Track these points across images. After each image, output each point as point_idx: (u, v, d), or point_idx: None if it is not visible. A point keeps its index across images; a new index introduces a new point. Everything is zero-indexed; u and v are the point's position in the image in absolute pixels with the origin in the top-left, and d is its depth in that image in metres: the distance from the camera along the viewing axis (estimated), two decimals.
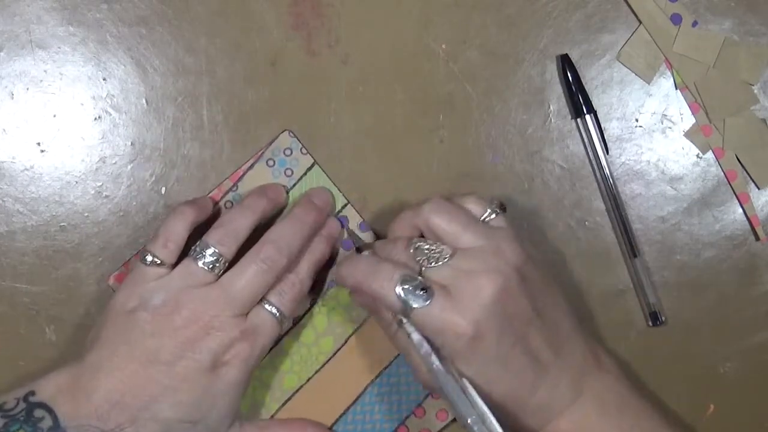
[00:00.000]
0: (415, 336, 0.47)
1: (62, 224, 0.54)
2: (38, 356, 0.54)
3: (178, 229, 0.50)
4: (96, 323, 0.49)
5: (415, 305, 0.46)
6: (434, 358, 0.46)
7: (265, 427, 0.53)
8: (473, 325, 0.46)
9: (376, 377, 0.55)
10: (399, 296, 0.46)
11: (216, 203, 0.54)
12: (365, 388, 0.55)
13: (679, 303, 0.57)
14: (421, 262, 0.48)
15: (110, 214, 0.55)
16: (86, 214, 0.55)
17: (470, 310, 0.46)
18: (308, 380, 0.55)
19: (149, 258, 0.49)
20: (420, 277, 0.47)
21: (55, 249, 0.54)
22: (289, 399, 0.55)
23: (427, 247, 0.48)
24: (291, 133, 0.55)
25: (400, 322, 0.47)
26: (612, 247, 0.57)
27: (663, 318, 0.57)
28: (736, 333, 0.58)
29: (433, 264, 0.47)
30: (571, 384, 0.49)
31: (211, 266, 0.48)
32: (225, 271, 0.49)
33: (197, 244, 0.49)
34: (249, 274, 0.48)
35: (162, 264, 0.49)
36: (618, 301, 0.57)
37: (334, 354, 0.55)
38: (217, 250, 0.49)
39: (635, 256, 0.56)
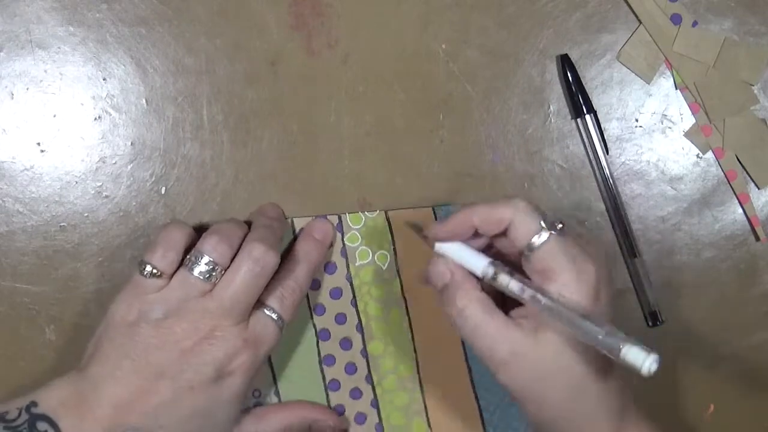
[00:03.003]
0: (514, 284, 0.45)
1: (62, 224, 0.54)
2: (38, 356, 0.54)
3: (177, 237, 0.49)
4: (95, 335, 0.49)
5: (556, 229, 0.44)
6: (540, 296, 0.43)
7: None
8: (597, 272, 0.44)
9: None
10: (541, 225, 0.44)
11: None
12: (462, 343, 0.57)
13: (679, 303, 0.57)
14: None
15: (110, 214, 0.55)
16: (86, 214, 0.55)
17: (595, 260, 0.45)
18: (416, 353, 0.56)
19: (148, 269, 0.48)
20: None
21: (55, 249, 0.54)
22: (422, 384, 0.56)
23: None
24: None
25: (496, 274, 0.45)
26: (612, 247, 0.57)
27: (663, 318, 0.57)
28: (736, 333, 0.58)
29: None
30: (619, 397, 0.47)
31: (207, 275, 0.48)
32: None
33: (191, 253, 0.48)
34: (242, 279, 0.48)
35: (161, 275, 0.48)
36: (618, 301, 0.57)
37: (409, 316, 0.56)
38: (211, 258, 0.48)
39: (635, 256, 0.56)
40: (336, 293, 0.56)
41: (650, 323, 0.57)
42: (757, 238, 0.57)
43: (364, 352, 0.56)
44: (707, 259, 0.58)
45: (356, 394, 0.56)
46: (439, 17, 0.55)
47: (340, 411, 0.56)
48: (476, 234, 0.47)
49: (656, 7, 0.56)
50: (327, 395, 0.56)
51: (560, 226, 0.45)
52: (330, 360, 0.56)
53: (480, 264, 0.46)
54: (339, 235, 0.55)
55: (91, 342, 0.49)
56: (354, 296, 0.56)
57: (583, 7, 0.56)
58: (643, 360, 0.39)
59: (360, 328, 0.56)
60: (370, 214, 0.55)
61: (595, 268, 0.44)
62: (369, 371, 0.56)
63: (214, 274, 0.48)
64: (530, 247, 0.44)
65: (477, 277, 0.47)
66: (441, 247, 0.47)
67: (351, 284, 0.56)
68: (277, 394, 0.56)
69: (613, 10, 0.56)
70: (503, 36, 0.56)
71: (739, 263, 0.58)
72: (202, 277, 0.48)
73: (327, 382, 0.56)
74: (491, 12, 0.56)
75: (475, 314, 0.45)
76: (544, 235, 0.44)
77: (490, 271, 0.46)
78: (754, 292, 0.58)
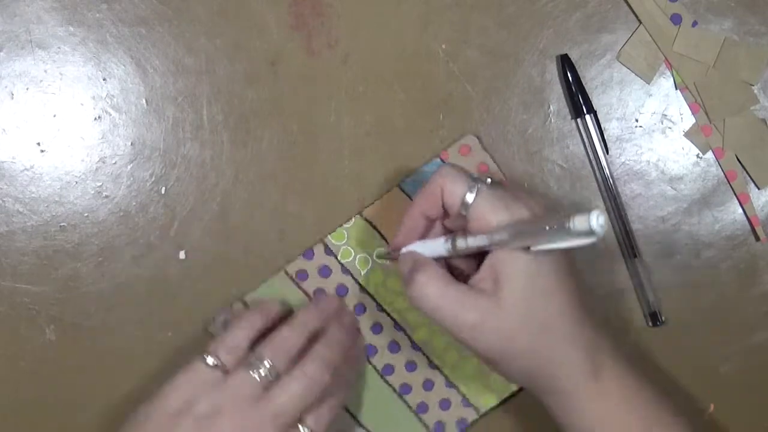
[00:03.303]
0: (471, 239, 0.47)
1: (62, 224, 0.55)
2: (38, 356, 0.54)
3: (245, 336, 0.49)
4: (137, 412, 0.47)
5: (485, 183, 0.47)
6: (497, 236, 0.45)
7: None
8: (531, 215, 0.46)
9: None
10: (470, 177, 0.47)
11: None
12: None
13: (679, 303, 0.57)
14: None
15: (110, 214, 0.55)
16: (86, 214, 0.55)
17: (534, 203, 0.47)
18: None
19: (212, 360, 0.48)
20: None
21: (55, 249, 0.54)
22: None
23: None
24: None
25: (454, 241, 0.47)
26: (612, 247, 0.57)
27: (663, 318, 0.57)
28: (736, 333, 0.58)
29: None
30: (591, 343, 0.47)
31: (265, 380, 0.47)
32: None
33: (252, 354, 0.48)
34: (292, 393, 0.47)
35: (222, 369, 0.48)
36: (618, 301, 0.57)
37: None
38: (273, 364, 0.48)
39: (635, 256, 0.56)
40: (360, 309, 0.56)
41: (650, 323, 0.57)
42: (757, 238, 0.57)
43: (415, 346, 0.56)
44: (707, 259, 0.57)
45: (428, 385, 0.56)
46: (439, 17, 0.55)
47: (422, 410, 0.56)
48: (431, 224, 0.50)
49: (656, 7, 0.56)
50: (404, 401, 0.56)
51: (489, 180, 0.47)
52: (388, 370, 0.56)
53: (439, 243, 0.49)
54: (333, 258, 0.55)
55: (134, 416, 0.48)
56: (377, 302, 0.56)
57: (583, 7, 0.56)
58: (587, 220, 0.40)
59: (398, 326, 0.56)
60: (348, 224, 0.55)
61: (530, 212, 0.46)
62: (428, 359, 0.56)
63: (270, 379, 0.48)
64: (465, 206, 0.47)
65: (446, 260, 0.49)
66: (405, 249, 0.51)
67: (368, 293, 0.56)
68: (360, 423, 0.56)
69: (613, 10, 0.56)
70: (503, 36, 0.56)
71: (739, 263, 0.58)
72: (259, 380, 0.47)
73: (398, 389, 0.56)
74: (491, 12, 0.56)
75: (437, 287, 0.47)
76: (475, 190, 0.47)
77: (449, 243, 0.48)
78: (754, 292, 0.58)
